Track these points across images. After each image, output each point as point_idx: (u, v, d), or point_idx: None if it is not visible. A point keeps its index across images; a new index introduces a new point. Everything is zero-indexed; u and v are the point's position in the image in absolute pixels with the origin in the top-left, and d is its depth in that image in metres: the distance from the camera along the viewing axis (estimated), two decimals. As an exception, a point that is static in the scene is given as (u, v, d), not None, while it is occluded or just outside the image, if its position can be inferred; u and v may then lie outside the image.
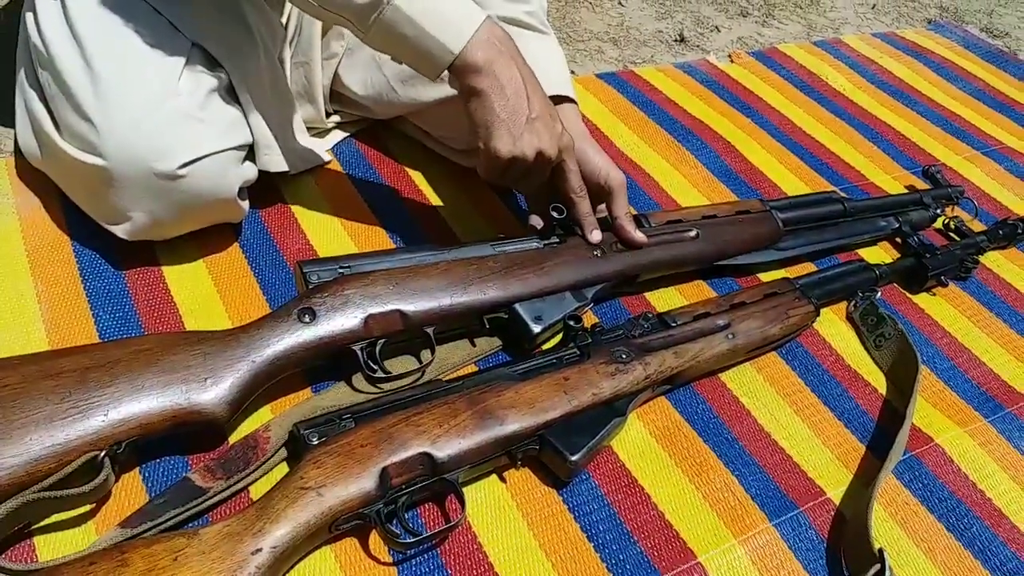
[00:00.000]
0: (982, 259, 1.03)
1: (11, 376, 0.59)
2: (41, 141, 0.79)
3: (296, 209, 0.93)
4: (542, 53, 0.85)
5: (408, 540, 0.61)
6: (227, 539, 0.55)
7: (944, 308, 0.97)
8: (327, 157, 0.98)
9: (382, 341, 0.71)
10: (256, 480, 0.65)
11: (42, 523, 0.60)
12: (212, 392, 0.63)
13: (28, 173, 0.87)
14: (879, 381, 0.86)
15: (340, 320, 0.69)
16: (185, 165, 0.73)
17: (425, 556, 0.64)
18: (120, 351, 0.63)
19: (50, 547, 0.60)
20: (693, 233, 0.88)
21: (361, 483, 0.60)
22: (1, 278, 0.79)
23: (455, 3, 0.72)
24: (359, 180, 0.99)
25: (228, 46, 0.80)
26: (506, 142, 0.74)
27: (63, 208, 0.85)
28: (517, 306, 0.77)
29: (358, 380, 0.72)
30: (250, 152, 0.83)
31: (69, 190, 0.81)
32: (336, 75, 0.98)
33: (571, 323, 0.76)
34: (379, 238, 0.92)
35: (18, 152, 0.87)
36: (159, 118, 0.72)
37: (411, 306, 0.72)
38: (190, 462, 0.66)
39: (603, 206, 0.85)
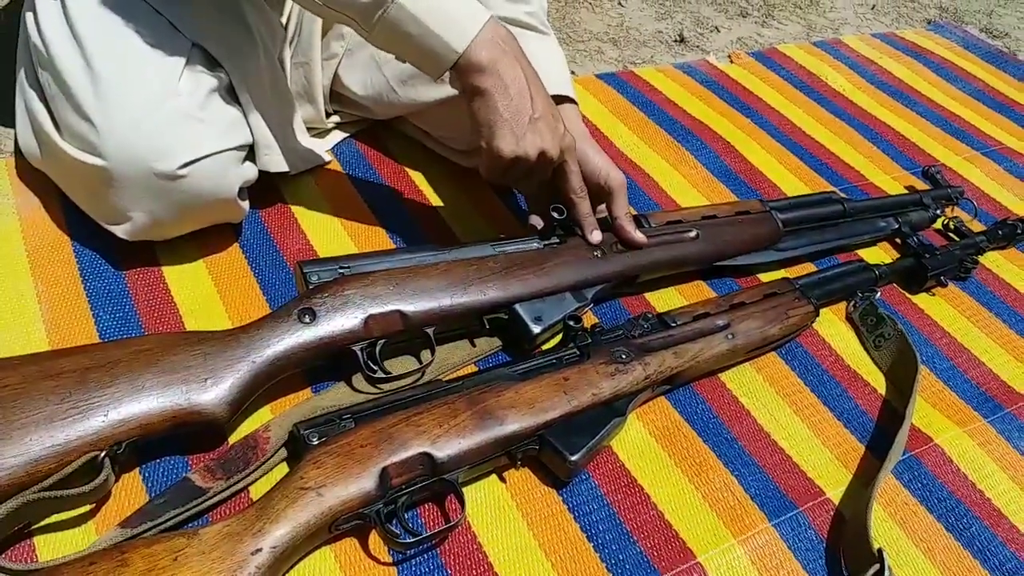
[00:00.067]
0: (981, 259, 1.03)
1: (11, 376, 0.59)
2: (41, 141, 0.79)
3: (296, 209, 0.93)
4: (542, 53, 0.85)
5: (408, 540, 0.61)
6: (227, 539, 0.55)
7: (943, 308, 0.97)
8: (327, 157, 0.98)
9: (382, 341, 0.71)
10: (256, 480, 0.65)
11: (42, 523, 0.60)
12: (212, 392, 0.63)
13: (28, 173, 0.87)
14: (878, 381, 0.87)
15: (340, 320, 0.69)
16: (185, 165, 0.73)
17: (425, 556, 0.64)
18: (120, 351, 0.63)
19: (50, 547, 0.60)
20: (693, 234, 0.88)
21: (361, 483, 0.60)
22: (1, 278, 0.79)
23: (459, 2, 0.72)
24: (359, 180, 0.99)
25: (228, 46, 0.80)
26: (509, 142, 0.74)
27: (63, 208, 0.85)
28: (517, 306, 0.77)
29: (358, 380, 0.72)
30: (250, 152, 0.83)
31: (69, 190, 0.82)
32: (336, 75, 0.98)
33: (571, 323, 0.76)
34: (379, 238, 0.92)
35: (18, 152, 0.87)
36: (159, 118, 0.72)
37: (411, 306, 0.72)
38: (190, 462, 0.66)
39: (603, 207, 0.85)
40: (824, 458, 0.77)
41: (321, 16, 0.82)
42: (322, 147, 0.99)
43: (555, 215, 0.80)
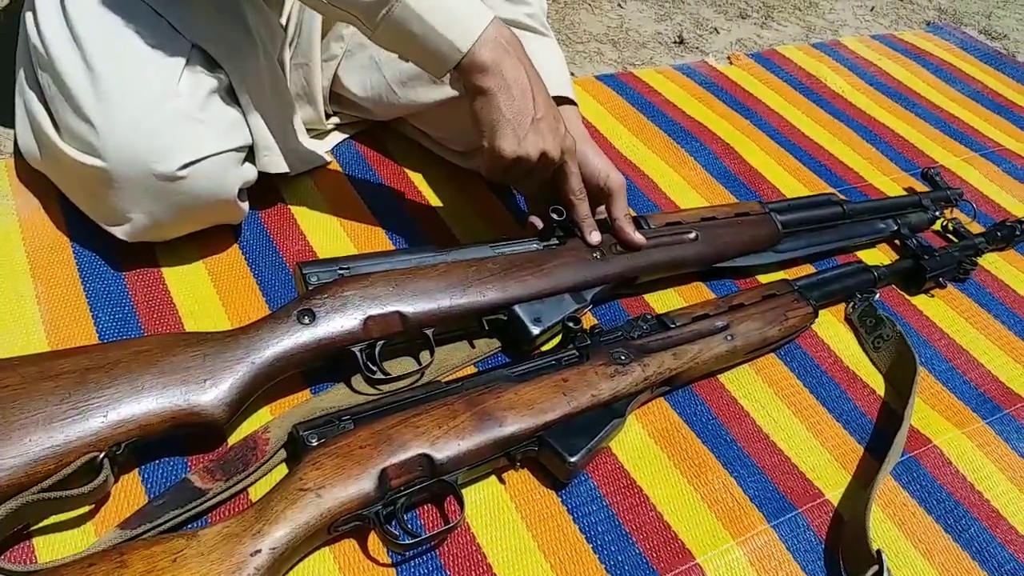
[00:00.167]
0: (980, 261, 1.04)
1: (11, 377, 0.59)
2: (41, 142, 0.79)
3: (296, 210, 0.93)
4: (542, 55, 0.85)
5: (407, 541, 0.61)
6: (226, 540, 0.55)
7: (942, 310, 0.97)
8: (327, 158, 0.98)
9: (381, 343, 0.72)
10: (255, 481, 0.65)
11: (41, 524, 0.60)
12: (211, 393, 0.63)
13: (28, 174, 0.87)
14: (877, 382, 0.87)
15: (339, 321, 0.69)
16: (185, 166, 0.73)
17: (424, 557, 0.64)
18: (120, 352, 0.63)
19: (49, 548, 0.60)
20: (692, 235, 0.88)
21: (360, 484, 0.60)
22: (1, 279, 0.79)
23: (463, 1, 0.72)
24: (359, 181, 0.99)
25: (228, 47, 0.80)
26: (511, 142, 0.74)
27: (63, 209, 0.85)
28: (516, 308, 0.77)
29: (357, 381, 0.72)
30: (250, 153, 0.83)
31: (69, 191, 0.81)
32: (335, 77, 0.98)
33: (570, 325, 0.76)
34: (379, 239, 0.92)
35: (18, 153, 0.87)
36: (159, 119, 0.72)
37: (410, 307, 0.72)
38: (189, 463, 0.66)
39: (602, 208, 0.85)
40: (823, 459, 0.77)
41: (324, 14, 0.82)
42: (322, 148, 0.99)
43: (554, 216, 0.80)
